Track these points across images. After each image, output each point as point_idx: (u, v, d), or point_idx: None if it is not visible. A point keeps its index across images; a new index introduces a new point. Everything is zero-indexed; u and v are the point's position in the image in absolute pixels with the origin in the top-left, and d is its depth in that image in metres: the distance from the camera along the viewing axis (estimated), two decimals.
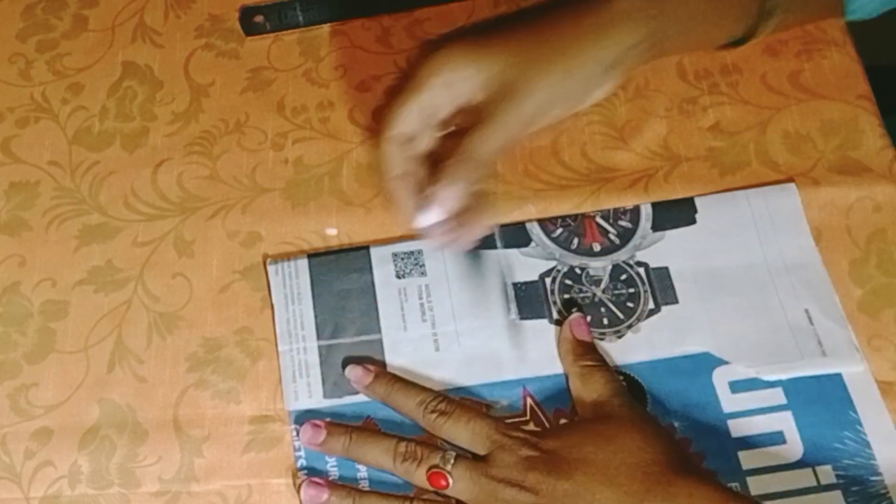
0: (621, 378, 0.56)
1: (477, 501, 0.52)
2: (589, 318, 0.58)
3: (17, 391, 0.59)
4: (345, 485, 0.55)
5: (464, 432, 0.54)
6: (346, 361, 0.58)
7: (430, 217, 0.55)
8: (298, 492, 0.55)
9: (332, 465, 0.56)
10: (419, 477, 0.53)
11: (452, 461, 0.53)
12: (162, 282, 0.62)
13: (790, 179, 0.61)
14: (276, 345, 0.59)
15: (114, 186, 0.66)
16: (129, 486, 0.56)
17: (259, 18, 0.71)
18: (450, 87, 0.55)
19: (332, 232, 0.62)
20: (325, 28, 0.70)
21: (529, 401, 0.56)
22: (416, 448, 0.54)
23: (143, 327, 0.61)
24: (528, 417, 0.56)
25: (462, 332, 0.58)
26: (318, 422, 0.56)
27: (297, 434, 0.56)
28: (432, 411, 0.54)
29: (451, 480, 0.52)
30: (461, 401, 0.56)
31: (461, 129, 0.55)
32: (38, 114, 0.69)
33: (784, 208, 0.60)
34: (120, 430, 0.58)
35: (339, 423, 0.56)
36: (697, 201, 0.61)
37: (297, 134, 0.66)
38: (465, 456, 0.54)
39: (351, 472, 0.55)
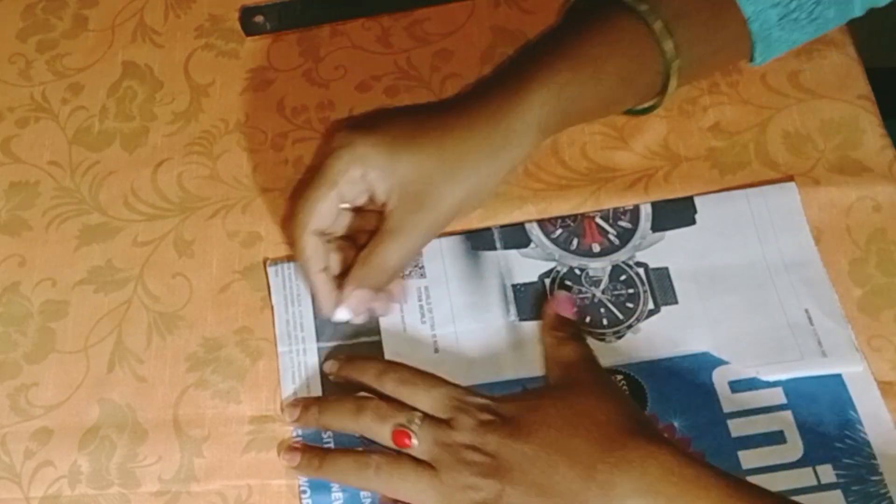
0: (620, 378, 0.56)
1: (438, 462, 0.52)
2: (588, 319, 0.58)
3: (17, 391, 0.59)
4: (314, 447, 0.56)
5: (425, 398, 0.54)
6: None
7: (342, 315, 0.57)
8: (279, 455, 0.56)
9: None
10: (383, 435, 0.54)
11: (418, 421, 0.53)
12: (162, 282, 0.62)
13: (790, 178, 0.61)
14: (276, 345, 0.59)
15: (114, 186, 0.66)
16: (129, 486, 0.56)
17: (259, 18, 0.71)
18: (361, 182, 0.55)
19: None
20: (325, 28, 0.70)
21: None
22: (380, 405, 0.54)
23: (143, 327, 0.61)
24: None
25: (461, 333, 0.58)
26: (296, 400, 0.57)
27: (297, 434, 0.57)
28: (392, 380, 0.55)
29: (415, 440, 0.53)
30: (420, 370, 0.56)
31: (369, 209, 0.57)
32: (38, 114, 0.69)
33: (783, 207, 0.60)
34: (120, 430, 0.58)
35: (311, 398, 0.57)
36: (697, 201, 0.61)
37: (297, 134, 0.66)
38: (432, 417, 0.54)
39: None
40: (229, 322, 0.60)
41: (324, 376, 0.58)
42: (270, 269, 0.61)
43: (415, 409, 0.54)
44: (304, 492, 0.55)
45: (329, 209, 0.56)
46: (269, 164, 0.65)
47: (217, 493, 0.56)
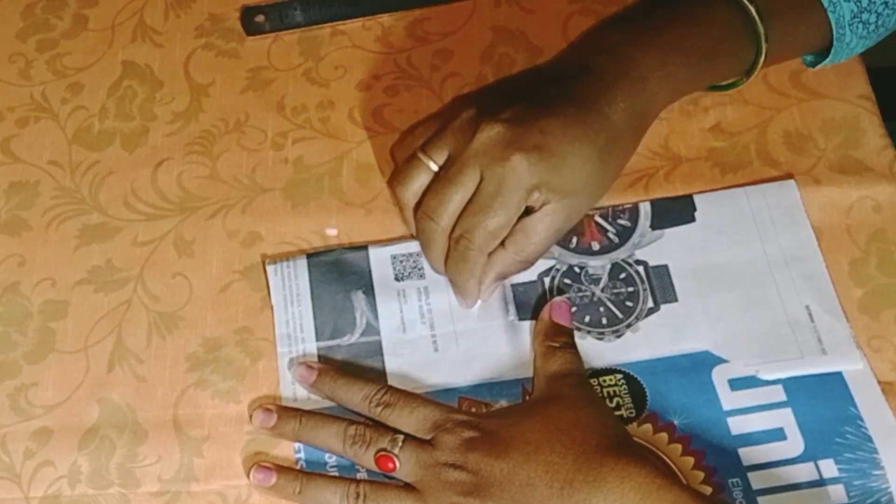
0: (620, 377, 0.56)
1: (422, 484, 0.52)
2: (588, 318, 0.58)
3: (17, 391, 0.59)
4: (292, 468, 0.55)
5: (408, 420, 0.54)
6: (346, 363, 0.58)
7: (476, 304, 0.59)
8: (248, 476, 0.55)
9: (331, 466, 0.55)
10: (368, 460, 0.54)
11: (400, 444, 0.53)
12: (162, 282, 0.62)
13: (789, 175, 0.61)
14: (275, 346, 0.59)
15: (114, 186, 0.66)
16: (129, 486, 0.56)
17: (260, 18, 0.71)
18: (528, 194, 0.55)
19: (332, 232, 0.62)
20: (326, 28, 0.70)
21: None
22: (364, 431, 0.54)
23: (143, 327, 0.61)
24: None
25: (461, 333, 0.58)
26: (269, 406, 0.56)
27: (300, 455, 0.56)
28: (377, 404, 0.55)
29: (398, 463, 0.53)
30: (405, 390, 0.56)
31: None
32: (38, 113, 0.69)
33: (783, 203, 0.60)
34: (120, 430, 0.58)
35: (290, 408, 0.57)
36: (696, 199, 0.61)
37: (297, 134, 0.66)
38: (414, 439, 0.54)
39: (349, 470, 0.55)
40: (229, 322, 0.60)
41: None
42: (269, 269, 0.61)
43: (398, 431, 0.54)
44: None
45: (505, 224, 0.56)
46: (269, 164, 0.65)
47: (217, 493, 0.55)
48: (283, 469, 0.55)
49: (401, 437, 0.54)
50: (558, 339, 0.56)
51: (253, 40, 0.70)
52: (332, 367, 0.58)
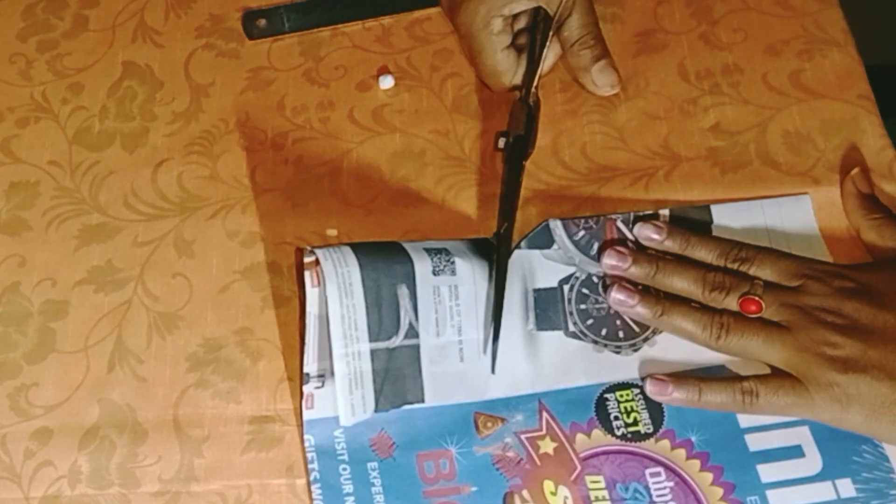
0: (637, 391, 0.56)
1: (791, 322, 0.53)
2: (605, 331, 0.57)
3: (17, 391, 0.59)
4: (651, 296, 0.56)
5: (771, 269, 0.55)
6: (389, 371, 0.55)
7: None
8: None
9: (345, 479, 0.55)
10: (728, 305, 0.54)
11: (761, 288, 0.54)
12: (162, 282, 0.62)
13: (804, 192, 0.60)
14: (330, 347, 0.54)
15: (114, 186, 0.66)
16: (129, 486, 0.56)
17: (262, 22, 0.70)
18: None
19: (332, 233, 0.62)
20: (326, 29, 0.70)
21: (545, 415, 0.56)
22: (724, 278, 0.55)
23: (143, 327, 0.61)
24: (544, 432, 0.55)
25: (484, 342, 0.57)
26: (621, 248, 0.57)
27: (311, 445, 0.55)
28: (735, 259, 0.56)
29: (763, 305, 0.53)
30: (760, 246, 0.57)
31: None
32: (38, 114, 0.69)
33: (797, 218, 0.59)
34: (120, 430, 0.58)
35: (646, 253, 0.58)
36: (713, 209, 0.60)
37: (296, 134, 0.66)
38: (776, 285, 0.54)
39: (365, 486, 0.54)
40: (229, 322, 0.60)
41: (378, 392, 0.55)
42: (320, 253, 0.54)
43: (756, 278, 0.55)
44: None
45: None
46: (269, 164, 0.65)
47: (217, 493, 0.55)
48: (645, 294, 0.56)
49: (760, 281, 0.54)
50: (879, 210, 0.57)
51: (253, 41, 0.70)
52: (679, 227, 0.58)
